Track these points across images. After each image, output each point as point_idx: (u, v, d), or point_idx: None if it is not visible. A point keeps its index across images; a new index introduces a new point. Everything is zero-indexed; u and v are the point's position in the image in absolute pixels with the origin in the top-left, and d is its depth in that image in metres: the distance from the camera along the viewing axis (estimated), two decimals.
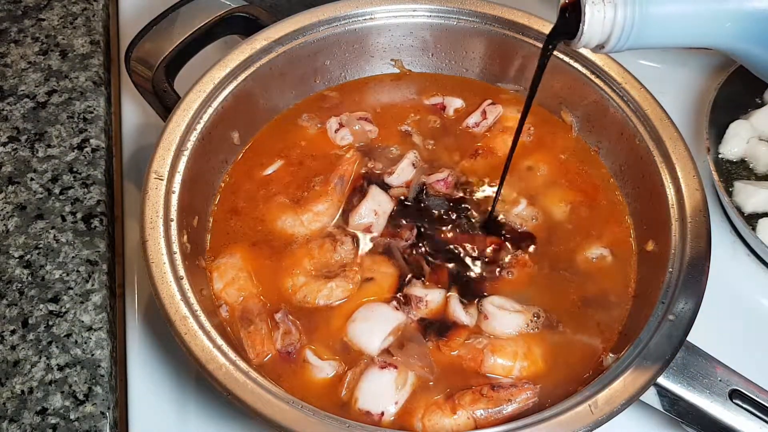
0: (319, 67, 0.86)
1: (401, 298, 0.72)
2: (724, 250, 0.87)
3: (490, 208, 0.78)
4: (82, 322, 0.76)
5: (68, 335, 0.75)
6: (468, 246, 0.76)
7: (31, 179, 0.85)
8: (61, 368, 0.73)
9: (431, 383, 0.68)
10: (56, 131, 0.89)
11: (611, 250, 0.77)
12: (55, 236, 0.81)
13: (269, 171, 0.81)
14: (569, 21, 0.53)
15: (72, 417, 0.71)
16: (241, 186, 0.80)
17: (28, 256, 0.80)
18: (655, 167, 0.75)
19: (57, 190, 0.85)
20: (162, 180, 0.70)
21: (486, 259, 0.75)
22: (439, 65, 0.89)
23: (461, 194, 0.80)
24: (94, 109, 0.92)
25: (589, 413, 0.61)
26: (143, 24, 0.83)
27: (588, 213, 0.79)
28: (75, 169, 0.87)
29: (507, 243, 0.76)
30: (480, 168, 0.82)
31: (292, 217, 0.77)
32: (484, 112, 0.85)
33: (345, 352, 0.69)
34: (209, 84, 0.77)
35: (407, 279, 0.73)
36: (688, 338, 0.66)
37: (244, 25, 0.85)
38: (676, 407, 0.66)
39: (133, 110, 0.94)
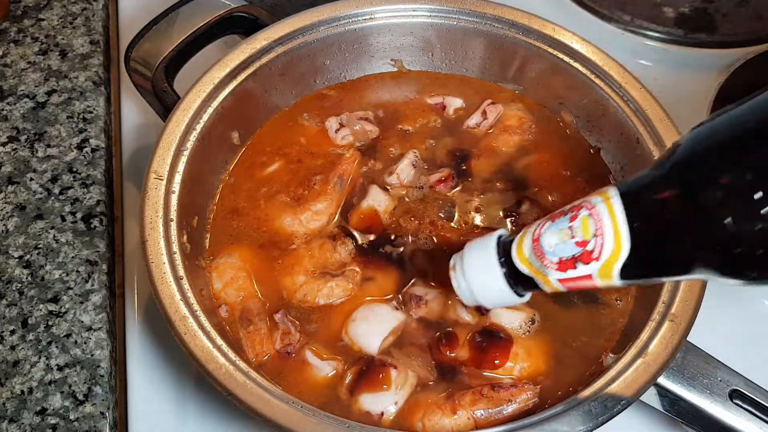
0: (319, 66, 0.86)
1: (401, 298, 0.72)
2: None
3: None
4: (82, 322, 0.76)
5: (68, 335, 0.75)
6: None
7: (31, 179, 0.85)
8: (60, 368, 0.73)
9: (431, 383, 0.68)
10: (56, 131, 0.89)
11: None
12: (54, 236, 0.81)
13: (269, 170, 0.81)
14: None
15: (72, 417, 0.71)
16: (242, 185, 0.80)
17: (28, 256, 0.80)
18: None
19: (57, 190, 0.85)
20: (162, 180, 0.70)
21: None
22: (439, 65, 0.89)
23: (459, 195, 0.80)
24: (94, 109, 0.92)
25: (589, 413, 0.61)
26: (143, 24, 0.83)
27: None
28: (75, 169, 0.87)
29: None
30: (481, 167, 0.82)
31: (291, 216, 0.77)
32: (484, 112, 0.85)
33: (345, 351, 0.69)
34: (209, 84, 0.77)
35: (407, 278, 0.73)
36: (688, 338, 0.66)
37: (244, 25, 0.85)
38: (676, 407, 0.66)
39: (133, 110, 0.94)
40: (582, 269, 0.51)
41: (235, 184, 0.80)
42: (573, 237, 0.51)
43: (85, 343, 0.75)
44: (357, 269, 0.73)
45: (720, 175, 0.44)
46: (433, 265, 0.75)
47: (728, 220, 0.42)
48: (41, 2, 1.01)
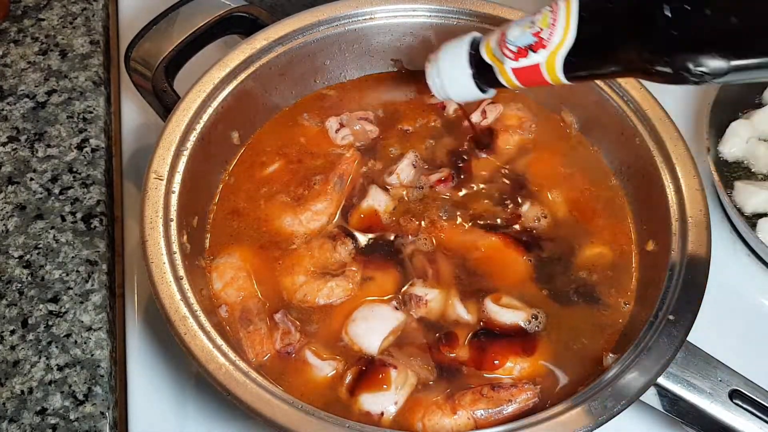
0: (319, 66, 0.86)
1: (401, 298, 0.72)
2: (724, 250, 0.87)
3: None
4: (82, 322, 0.76)
5: (68, 335, 0.75)
6: (468, 245, 0.76)
7: (31, 179, 0.85)
8: (60, 368, 0.73)
9: (431, 383, 0.68)
10: (56, 131, 0.89)
11: (611, 250, 0.77)
12: (54, 236, 0.81)
13: (269, 170, 0.81)
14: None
15: (72, 417, 0.71)
16: (241, 185, 0.80)
17: (28, 256, 0.80)
18: (656, 167, 0.75)
19: (57, 190, 0.85)
20: (162, 180, 0.70)
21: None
22: None
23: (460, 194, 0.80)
24: (94, 109, 0.92)
25: (589, 413, 0.61)
26: (143, 24, 0.83)
27: (588, 213, 0.79)
28: (75, 169, 0.87)
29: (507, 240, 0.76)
30: (481, 167, 0.82)
31: (291, 216, 0.77)
32: (483, 112, 0.85)
33: (345, 351, 0.69)
34: (209, 84, 0.77)
35: (407, 278, 0.73)
36: (688, 338, 0.66)
37: (244, 25, 0.85)
38: (676, 407, 0.66)
39: (133, 110, 0.94)
40: (532, 57, 0.59)
41: (235, 184, 0.80)
42: (532, 28, 0.59)
43: (85, 343, 0.75)
44: (357, 269, 0.73)
45: None
46: (433, 265, 0.75)
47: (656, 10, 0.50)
48: (41, 2, 1.01)
